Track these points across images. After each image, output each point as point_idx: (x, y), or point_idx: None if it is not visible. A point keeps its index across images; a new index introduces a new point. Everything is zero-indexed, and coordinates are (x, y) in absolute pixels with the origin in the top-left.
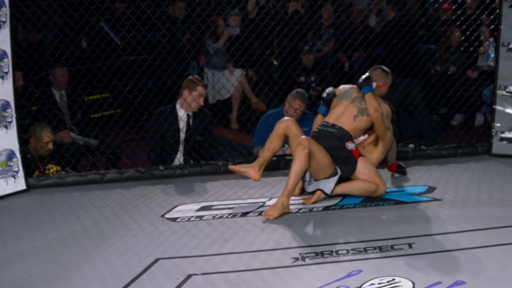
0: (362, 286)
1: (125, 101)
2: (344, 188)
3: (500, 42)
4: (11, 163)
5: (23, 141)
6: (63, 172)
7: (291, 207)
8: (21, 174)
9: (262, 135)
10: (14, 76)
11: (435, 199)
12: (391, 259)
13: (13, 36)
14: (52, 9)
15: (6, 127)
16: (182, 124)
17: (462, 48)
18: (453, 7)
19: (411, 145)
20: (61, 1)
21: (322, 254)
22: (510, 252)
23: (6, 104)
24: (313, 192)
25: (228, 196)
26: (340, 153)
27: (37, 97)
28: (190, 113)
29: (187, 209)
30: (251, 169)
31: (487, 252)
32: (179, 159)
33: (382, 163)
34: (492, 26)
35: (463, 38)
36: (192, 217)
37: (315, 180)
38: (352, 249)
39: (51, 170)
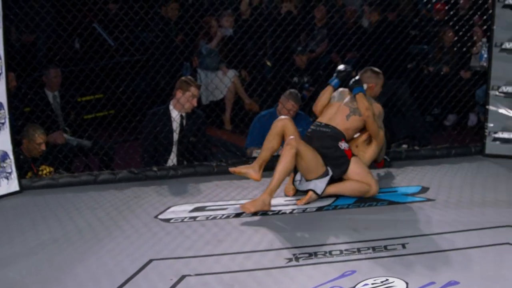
0: (356, 287)
1: (119, 102)
2: (336, 188)
3: (493, 43)
4: (4, 165)
5: (16, 142)
6: (57, 173)
7: (285, 207)
8: (14, 175)
9: (255, 136)
10: (7, 77)
11: (429, 200)
12: (384, 260)
13: (6, 37)
14: (45, 10)
15: None
16: (176, 125)
17: (455, 49)
18: (446, 7)
19: (404, 146)
20: (54, 2)
21: (315, 254)
22: (504, 252)
23: None
24: (306, 192)
25: (222, 197)
26: (333, 152)
27: (30, 98)
28: (184, 114)
29: (180, 210)
30: (251, 170)
31: (481, 252)
32: (172, 160)
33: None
34: (485, 27)
35: (456, 38)
36: (185, 218)
37: (306, 180)
38: (346, 250)
39: (44, 171)
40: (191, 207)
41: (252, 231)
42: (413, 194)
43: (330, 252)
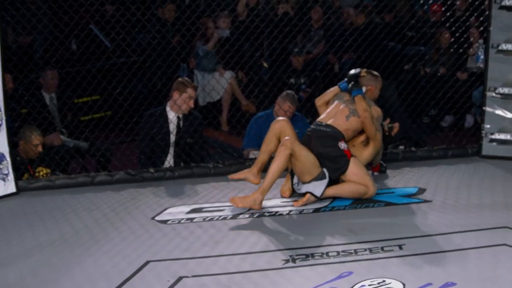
0: None
1: (115, 103)
2: (335, 190)
3: (489, 44)
4: (1, 166)
5: (13, 144)
6: (53, 175)
7: (282, 209)
8: (11, 177)
9: (252, 137)
10: (4, 79)
11: (425, 201)
12: (381, 261)
13: (2, 38)
14: (42, 11)
15: None
16: (172, 127)
17: (451, 50)
18: (443, 8)
19: (401, 147)
20: (51, 3)
21: (312, 256)
22: (500, 253)
23: None
24: (303, 194)
25: (219, 198)
26: (333, 151)
27: (27, 100)
28: (180, 115)
29: (177, 211)
30: (250, 174)
31: (478, 253)
32: (169, 161)
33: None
34: (481, 28)
35: (452, 39)
36: (182, 219)
37: (303, 182)
38: (343, 251)
39: (41, 173)
40: (188, 208)
41: (249, 232)
42: (410, 195)
43: (327, 254)
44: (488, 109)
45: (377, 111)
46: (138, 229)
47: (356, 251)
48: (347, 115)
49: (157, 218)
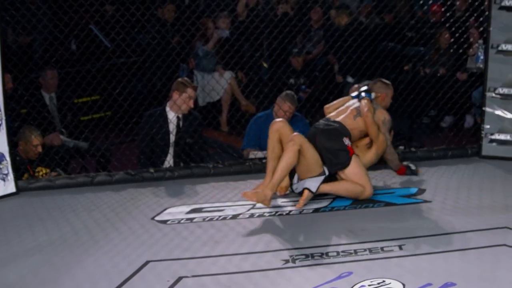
0: None
1: (115, 103)
2: (331, 187)
3: (489, 44)
4: (1, 166)
5: (13, 144)
6: (53, 173)
7: (282, 209)
8: (11, 177)
9: (252, 137)
10: (4, 79)
11: (425, 201)
12: (381, 261)
13: (2, 38)
14: (42, 11)
15: None
16: (172, 127)
17: (451, 50)
18: (442, 9)
19: (401, 147)
20: (51, 3)
21: (312, 256)
22: (500, 254)
23: None
24: (301, 194)
25: (219, 198)
26: (337, 144)
27: (27, 100)
28: (180, 116)
29: (177, 211)
30: (265, 188)
31: (478, 254)
32: (169, 161)
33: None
34: (481, 28)
35: (452, 40)
36: (182, 219)
37: (301, 179)
38: (343, 251)
39: (41, 173)
40: (188, 208)
41: (249, 232)
42: (409, 196)
43: (326, 254)
44: (488, 109)
45: (384, 114)
46: (138, 229)
47: (356, 251)
48: (355, 115)
49: (157, 218)
